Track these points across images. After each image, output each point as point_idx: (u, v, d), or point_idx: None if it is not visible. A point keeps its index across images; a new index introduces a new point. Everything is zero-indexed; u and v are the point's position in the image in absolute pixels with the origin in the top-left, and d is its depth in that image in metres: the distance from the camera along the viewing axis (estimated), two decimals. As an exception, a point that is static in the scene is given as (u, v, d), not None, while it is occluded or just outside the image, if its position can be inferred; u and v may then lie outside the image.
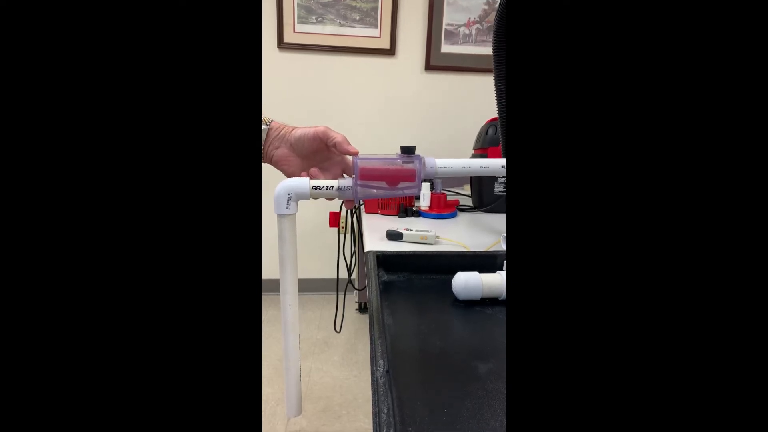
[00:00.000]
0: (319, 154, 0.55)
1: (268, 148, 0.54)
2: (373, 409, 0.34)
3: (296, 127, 0.54)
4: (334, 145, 0.52)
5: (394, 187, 0.46)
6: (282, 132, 0.54)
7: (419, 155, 0.47)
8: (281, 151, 0.54)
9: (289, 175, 0.54)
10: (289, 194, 0.45)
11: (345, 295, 1.57)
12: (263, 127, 0.54)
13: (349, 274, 1.45)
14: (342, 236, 1.64)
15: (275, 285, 0.51)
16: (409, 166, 0.46)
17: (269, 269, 1.97)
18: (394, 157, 0.47)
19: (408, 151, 0.47)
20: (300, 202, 0.47)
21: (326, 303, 1.95)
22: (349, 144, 0.52)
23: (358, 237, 1.65)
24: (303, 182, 0.46)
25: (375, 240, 0.87)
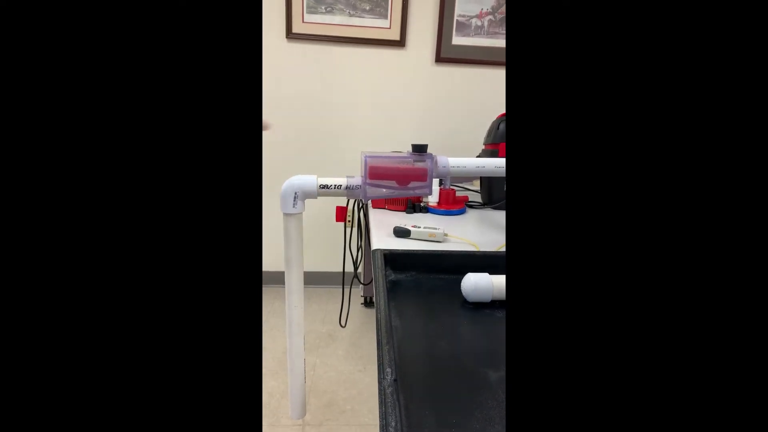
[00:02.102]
0: None
1: None
2: (380, 422, 0.33)
3: None
4: None
5: (404, 187, 0.45)
6: None
7: (431, 154, 0.45)
8: None
9: None
10: (295, 193, 0.43)
11: (351, 288, 1.56)
12: None
13: (355, 268, 1.44)
14: (349, 230, 1.63)
15: (282, 277, 0.50)
16: (421, 165, 0.44)
17: (276, 261, 1.97)
18: (405, 155, 0.45)
19: (420, 149, 0.45)
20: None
21: (331, 296, 1.95)
22: None
23: (365, 232, 1.63)
24: (310, 181, 0.44)
25: (382, 236, 0.86)
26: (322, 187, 0.45)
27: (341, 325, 1.61)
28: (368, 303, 1.94)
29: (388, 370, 0.38)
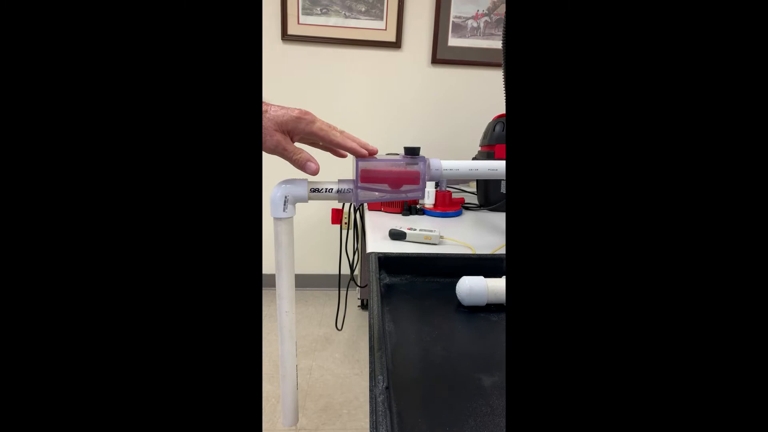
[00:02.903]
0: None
1: None
2: (371, 431, 0.32)
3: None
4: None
5: (396, 190, 0.44)
6: None
7: (424, 156, 0.45)
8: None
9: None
10: (286, 197, 0.43)
11: (347, 291, 1.55)
12: None
13: (352, 271, 1.43)
14: (345, 232, 1.62)
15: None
16: (413, 168, 0.44)
17: (271, 264, 1.97)
18: (398, 158, 0.45)
19: (412, 152, 0.44)
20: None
21: (328, 299, 1.94)
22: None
23: (361, 234, 1.63)
24: (301, 184, 0.43)
25: (378, 239, 0.85)
26: (313, 191, 0.44)
27: (338, 329, 1.60)
28: (365, 306, 1.94)
29: (380, 377, 0.37)
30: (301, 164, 0.44)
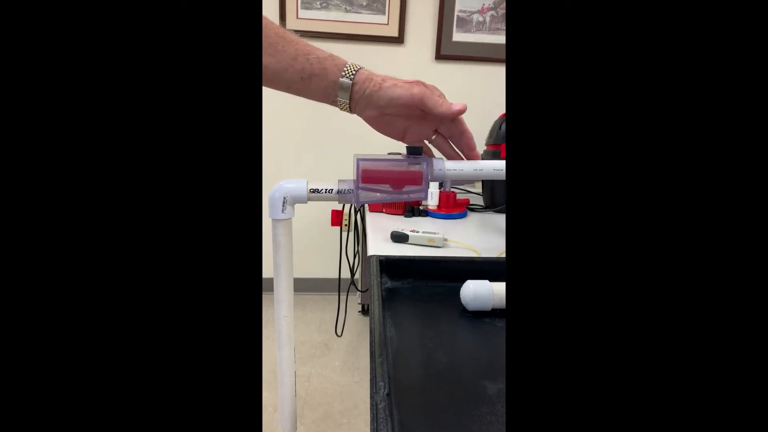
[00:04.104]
0: (416, 117, 0.47)
1: (355, 106, 0.47)
2: (371, 442, 0.31)
3: (384, 81, 0.45)
4: (436, 115, 0.45)
5: (398, 191, 0.43)
6: (367, 91, 0.45)
7: (426, 156, 0.44)
8: (370, 113, 0.47)
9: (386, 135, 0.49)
10: (284, 197, 0.41)
11: (347, 296, 1.53)
12: (345, 81, 0.45)
13: (352, 275, 1.41)
14: (345, 234, 1.60)
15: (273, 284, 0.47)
16: (416, 168, 0.42)
17: (268, 268, 1.95)
18: (400, 158, 0.43)
19: (414, 151, 0.43)
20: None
21: (328, 304, 1.92)
22: (454, 108, 0.45)
23: (361, 236, 1.61)
24: (300, 185, 0.42)
25: (379, 241, 0.84)
26: (313, 192, 0.43)
27: (337, 335, 1.58)
28: (366, 311, 1.92)
29: (381, 383, 0.36)
30: (446, 106, 0.44)
